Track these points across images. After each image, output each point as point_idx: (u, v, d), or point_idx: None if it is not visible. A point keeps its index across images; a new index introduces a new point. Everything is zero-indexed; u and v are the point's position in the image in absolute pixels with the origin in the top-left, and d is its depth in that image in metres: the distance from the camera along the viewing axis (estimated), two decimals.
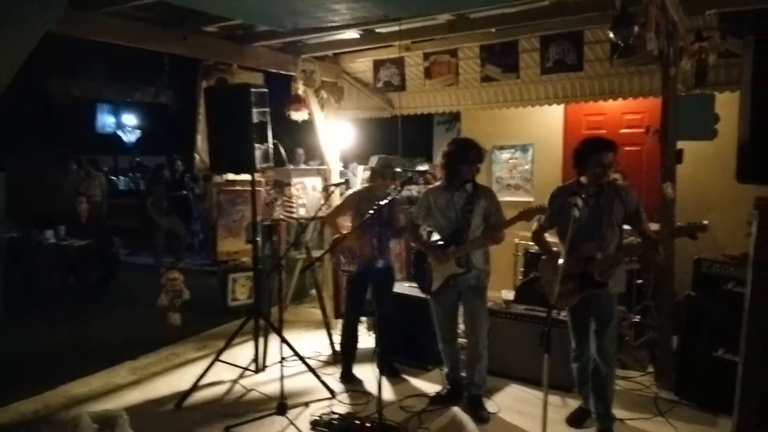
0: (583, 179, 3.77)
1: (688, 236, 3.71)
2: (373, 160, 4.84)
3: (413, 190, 9.00)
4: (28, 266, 7.70)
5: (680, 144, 4.50)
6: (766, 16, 4.07)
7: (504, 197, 7.01)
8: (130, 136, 18.10)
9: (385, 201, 4.25)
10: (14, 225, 8.11)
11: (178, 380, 4.91)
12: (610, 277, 3.70)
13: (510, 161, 7.20)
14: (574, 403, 4.36)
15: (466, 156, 4.09)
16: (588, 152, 3.70)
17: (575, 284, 3.75)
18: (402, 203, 5.27)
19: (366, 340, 5.40)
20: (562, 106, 6.43)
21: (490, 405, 4.38)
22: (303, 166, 8.59)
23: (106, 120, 17.74)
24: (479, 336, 4.26)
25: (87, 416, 3.04)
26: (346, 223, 4.97)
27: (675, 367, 4.50)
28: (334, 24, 3.95)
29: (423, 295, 5.01)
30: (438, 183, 4.36)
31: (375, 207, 4.16)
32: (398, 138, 5.70)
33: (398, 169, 5.06)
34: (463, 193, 4.16)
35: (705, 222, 3.54)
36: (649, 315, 5.35)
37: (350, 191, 4.94)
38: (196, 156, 5.68)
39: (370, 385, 4.73)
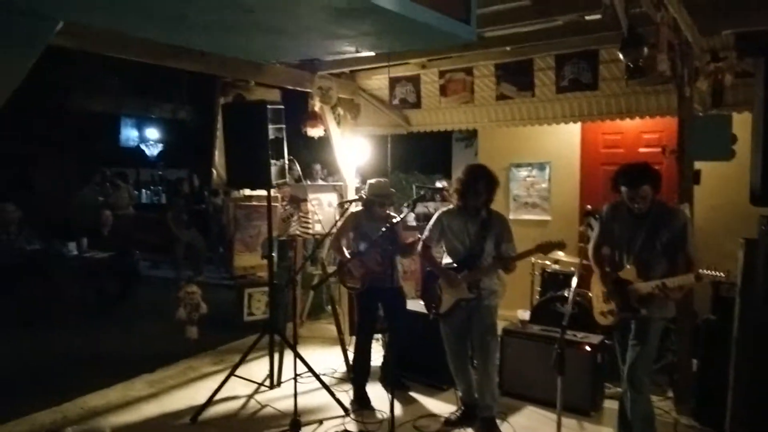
0: None
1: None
2: (370, 183, 4.81)
3: (430, 207, 9.01)
4: (49, 278, 7.83)
5: (698, 164, 4.46)
6: None
7: (521, 215, 7.00)
8: (152, 150, 18.42)
9: (388, 225, 4.29)
10: (37, 237, 8.27)
11: (195, 394, 4.94)
12: (651, 304, 3.60)
13: (527, 179, 7.19)
14: (590, 427, 4.32)
15: (476, 188, 4.10)
16: (619, 182, 3.63)
17: (615, 305, 3.73)
18: (409, 221, 5.26)
19: (379, 357, 5.39)
20: (579, 125, 6.41)
21: (505, 427, 4.35)
22: (320, 182, 8.65)
23: (129, 134, 18.08)
24: (489, 356, 4.23)
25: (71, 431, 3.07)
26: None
27: (695, 391, 4.43)
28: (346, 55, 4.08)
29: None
30: (452, 206, 4.35)
31: (381, 231, 4.25)
32: (417, 154, 5.72)
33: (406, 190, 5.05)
34: (477, 220, 4.17)
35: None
36: (669, 338, 5.27)
37: (350, 211, 4.93)
38: (214, 171, 5.76)
39: (384, 404, 4.72)
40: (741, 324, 2.25)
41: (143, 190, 17.66)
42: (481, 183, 4.10)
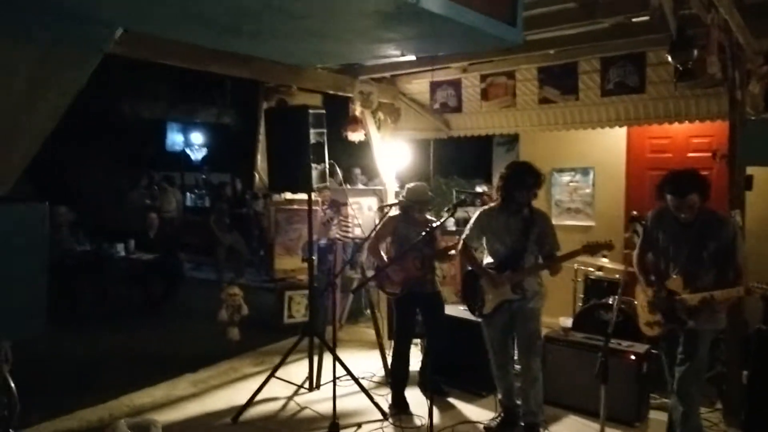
0: None
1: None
2: (408, 188, 4.79)
3: (470, 212, 8.94)
4: (98, 278, 8.08)
5: (750, 170, 4.31)
6: None
7: (564, 221, 6.87)
8: (197, 154, 18.82)
9: (428, 230, 4.24)
10: (88, 238, 8.54)
11: (235, 394, 5.02)
12: (700, 316, 3.48)
13: (570, 184, 7.06)
14: None
15: (522, 181, 4.05)
16: (665, 190, 3.52)
17: (661, 316, 3.64)
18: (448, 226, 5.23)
19: (418, 362, 5.38)
20: (624, 129, 6.28)
21: None
22: (360, 186, 8.69)
23: (175, 138, 18.53)
24: (533, 360, 4.18)
25: (123, 423, 3.16)
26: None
27: (745, 403, 4.27)
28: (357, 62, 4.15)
29: (478, 319, 4.99)
30: (493, 204, 4.32)
31: (421, 235, 4.22)
32: (457, 158, 5.69)
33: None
34: (519, 218, 4.11)
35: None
36: (718, 348, 5.10)
37: (388, 216, 4.92)
38: (256, 175, 5.85)
39: (422, 409, 4.70)
40: None
41: (187, 194, 18.08)
42: (529, 176, 4.06)
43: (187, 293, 8.70)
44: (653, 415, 4.56)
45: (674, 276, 3.59)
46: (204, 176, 19.70)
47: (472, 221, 4.35)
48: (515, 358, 4.46)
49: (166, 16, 2.06)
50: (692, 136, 6.20)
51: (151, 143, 17.29)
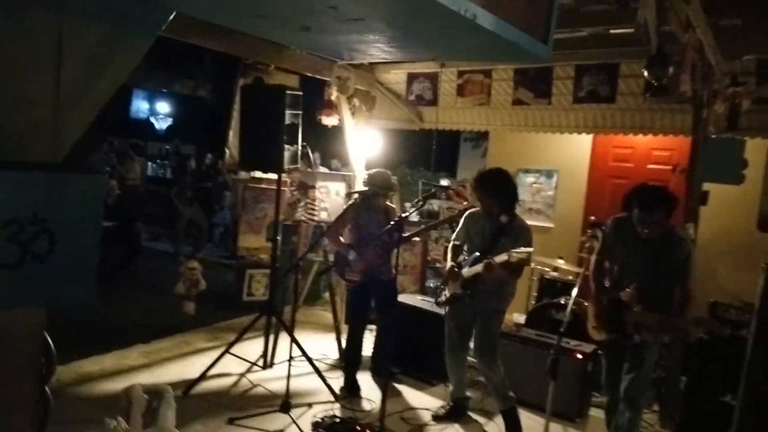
0: None
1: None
2: (370, 174, 4.81)
3: (434, 204, 9.04)
4: None
5: (706, 186, 4.50)
6: None
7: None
8: (161, 124, 18.43)
9: (396, 220, 4.27)
10: None
11: (188, 368, 4.99)
12: (646, 332, 3.54)
13: (534, 185, 7.22)
14: None
15: (492, 191, 4.14)
16: (633, 203, 3.53)
17: (608, 325, 3.70)
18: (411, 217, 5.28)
19: (371, 347, 5.44)
20: (590, 136, 6.45)
21: (491, 427, 4.41)
22: (322, 170, 8.64)
23: (140, 105, 18.08)
24: (485, 357, 4.26)
25: (139, 387, 3.15)
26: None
27: (681, 408, 4.48)
28: (385, 59, 4.13)
29: (433, 309, 5.10)
30: (478, 208, 4.36)
31: (390, 224, 4.27)
32: (425, 150, 5.75)
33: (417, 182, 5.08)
34: (496, 224, 4.16)
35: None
36: (659, 354, 5.32)
37: (349, 203, 4.94)
38: (227, 151, 5.80)
39: (372, 393, 4.78)
40: (756, 345, 2.29)
41: (149, 163, 17.72)
42: (496, 188, 4.13)
43: (143, 264, 8.57)
44: (593, 412, 4.74)
45: (627, 289, 3.61)
46: (168, 147, 19.32)
47: (460, 223, 4.43)
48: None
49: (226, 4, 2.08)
50: (654, 148, 6.42)
51: (115, 108, 16.86)
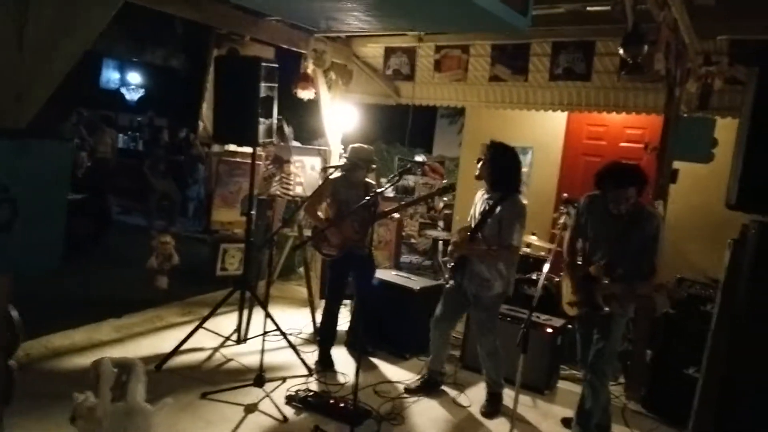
0: None
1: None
2: (352, 147, 4.78)
3: (410, 180, 9.07)
4: None
5: (676, 164, 4.57)
6: None
7: None
8: (133, 95, 18.02)
9: (372, 194, 4.27)
10: None
11: (160, 343, 4.97)
12: (615, 303, 3.64)
13: None
14: (543, 405, 4.48)
15: (488, 164, 4.16)
16: (605, 180, 3.63)
17: (580, 298, 3.81)
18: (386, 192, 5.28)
19: (346, 322, 5.47)
20: (565, 113, 6.48)
21: (463, 399, 4.49)
22: (296, 144, 8.54)
23: (110, 76, 17.64)
24: (481, 340, 4.33)
25: (108, 360, 3.11)
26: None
27: (646, 380, 4.61)
28: (363, 30, 4.06)
29: (407, 285, 5.14)
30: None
31: (367, 199, 4.22)
32: (401, 126, 5.73)
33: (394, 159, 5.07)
34: (491, 199, 4.17)
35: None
36: (627, 328, 5.44)
37: (328, 177, 4.89)
38: (201, 123, 5.70)
39: (347, 367, 4.82)
40: (720, 318, 2.36)
41: (120, 135, 17.36)
42: (491, 161, 4.14)
43: (114, 238, 8.44)
44: (561, 384, 4.87)
45: (597, 263, 3.73)
46: (140, 119, 18.96)
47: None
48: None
49: None
50: (627, 126, 6.49)
51: (84, 78, 16.43)
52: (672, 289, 3.59)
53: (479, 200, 4.28)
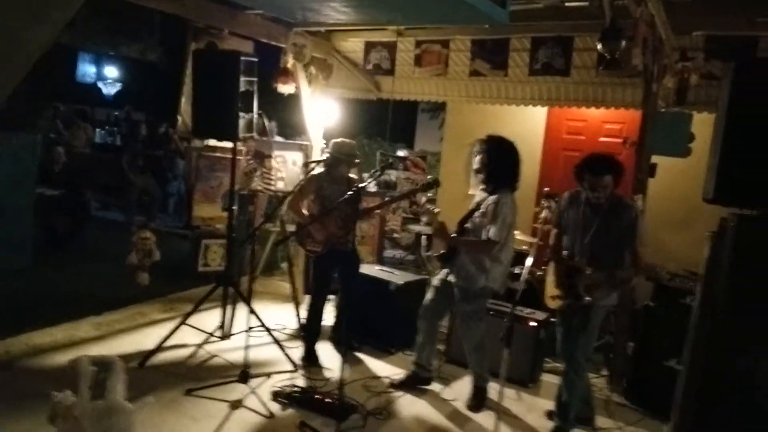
0: None
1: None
2: (335, 142, 4.76)
3: (392, 175, 9.07)
4: None
5: (655, 158, 4.64)
6: (751, 43, 4.21)
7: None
8: (110, 89, 17.76)
9: (355, 190, 4.23)
10: None
11: (143, 339, 4.93)
12: (596, 293, 3.70)
13: None
14: (528, 398, 4.54)
15: (482, 158, 4.18)
16: (583, 170, 3.73)
17: (563, 291, 3.87)
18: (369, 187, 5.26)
19: (331, 318, 5.48)
20: (545, 109, 6.53)
21: (447, 393, 4.52)
22: (278, 139, 8.54)
23: (87, 70, 17.36)
24: (463, 335, 4.36)
25: (86, 359, 3.08)
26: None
27: (628, 372, 4.69)
28: (340, 22, 4.04)
29: (392, 279, 5.15)
30: None
31: (349, 194, 4.17)
32: (382, 120, 5.73)
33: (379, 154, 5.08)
34: (484, 192, 4.21)
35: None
36: (608, 320, 5.52)
37: (311, 173, 4.86)
38: (179, 118, 5.65)
39: (332, 363, 4.82)
40: (701, 310, 2.41)
41: (97, 130, 17.09)
42: (486, 154, 4.17)
43: (93, 234, 8.33)
44: (545, 377, 4.92)
45: (579, 256, 3.82)
46: (117, 113, 18.68)
47: None
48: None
49: None
50: (605, 121, 6.56)
51: (59, 72, 16.14)
52: (652, 270, 3.66)
53: (477, 195, 4.31)
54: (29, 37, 1.62)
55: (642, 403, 4.49)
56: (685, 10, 4.15)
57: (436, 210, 4.27)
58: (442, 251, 4.35)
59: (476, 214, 4.15)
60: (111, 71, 17.76)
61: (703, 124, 4.53)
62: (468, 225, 4.20)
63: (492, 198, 4.08)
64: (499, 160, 4.15)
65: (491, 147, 4.18)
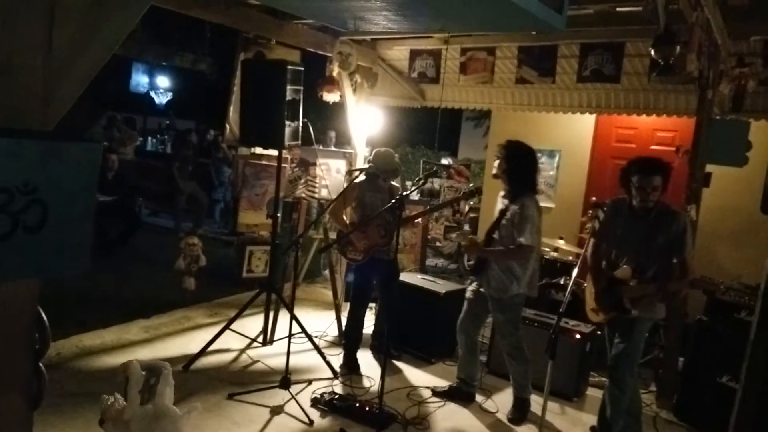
0: None
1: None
2: (376, 153, 4.77)
3: (435, 183, 9.03)
4: None
5: (709, 167, 4.47)
6: None
7: None
8: (161, 98, 18.30)
9: (397, 198, 4.15)
10: None
11: (188, 343, 5.02)
12: (642, 305, 3.59)
13: None
14: (572, 412, 4.42)
15: (503, 165, 4.15)
16: (630, 173, 3.61)
17: (606, 303, 3.74)
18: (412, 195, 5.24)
19: (371, 326, 5.47)
20: (593, 116, 6.39)
21: (489, 404, 4.44)
22: (333, 149, 8.61)
23: (140, 79, 17.95)
24: (501, 344, 4.32)
25: (137, 363, 3.15)
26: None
27: (678, 388, 4.51)
28: (390, 31, 4.06)
29: (433, 288, 5.11)
30: None
31: (389, 204, 4.19)
32: (426, 129, 5.71)
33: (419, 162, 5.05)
34: (506, 198, 4.18)
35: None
36: (657, 334, 5.35)
37: (353, 182, 4.84)
38: (227, 126, 5.76)
39: (372, 371, 4.81)
40: (760, 326, 2.30)
41: (149, 138, 17.63)
42: (505, 160, 4.13)
43: (143, 239, 8.56)
44: (590, 391, 4.79)
45: (624, 266, 3.68)
46: (168, 122, 19.23)
47: None
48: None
49: None
50: (657, 129, 6.37)
51: (115, 82, 16.72)
52: (707, 282, 3.48)
53: (499, 201, 4.27)
54: (87, 51, 1.66)
55: (691, 420, 4.32)
56: (743, 15, 4.01)
57: (467, 229, 4.27)
58: (470, 262, 4.30)
59: (502, 222, 4.10)
60: (163, 81, 18.32)
61: (761, 133, 4.36)
62: (495, 235, 4.15)
63: (515, 205, 4.06)
64: (518, 164, 4.11)
65: (509, 152, 4.13)
